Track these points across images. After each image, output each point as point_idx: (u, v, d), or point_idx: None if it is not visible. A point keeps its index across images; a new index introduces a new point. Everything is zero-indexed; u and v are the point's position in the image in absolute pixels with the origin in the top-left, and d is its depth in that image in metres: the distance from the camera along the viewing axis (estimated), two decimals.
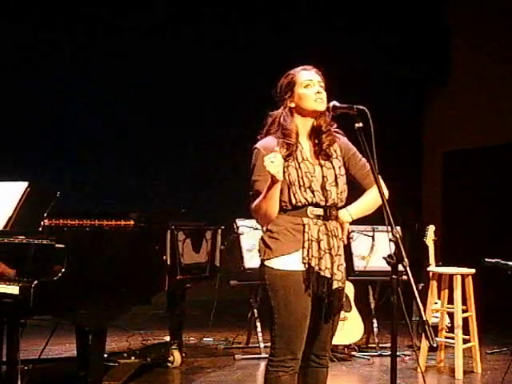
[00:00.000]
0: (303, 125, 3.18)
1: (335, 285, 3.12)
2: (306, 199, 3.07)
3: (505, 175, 8.56)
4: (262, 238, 3.17)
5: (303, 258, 3.07)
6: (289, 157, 3.09)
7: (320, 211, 3.10)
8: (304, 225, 3.08)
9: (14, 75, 8.06)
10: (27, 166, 7.18)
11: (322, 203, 3.10)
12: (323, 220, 3.11)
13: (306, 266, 3.06)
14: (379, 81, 9.08)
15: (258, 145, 3.15)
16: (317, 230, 3.08)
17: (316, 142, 3.18)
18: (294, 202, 3.07)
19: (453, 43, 9.55)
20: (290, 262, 3.08)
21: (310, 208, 3.09)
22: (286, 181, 3.06)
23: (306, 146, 3.17)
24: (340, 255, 3.15)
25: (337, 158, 3.20)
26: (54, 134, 8.34)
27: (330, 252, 3.10)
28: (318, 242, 3.08)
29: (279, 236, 3.10)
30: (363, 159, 3.22)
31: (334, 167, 3.17)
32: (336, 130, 3.22)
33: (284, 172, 3.00)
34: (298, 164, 3.10)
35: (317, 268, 3.06)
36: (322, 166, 3.15)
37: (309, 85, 3.14)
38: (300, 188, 3.07)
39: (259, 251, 3.18)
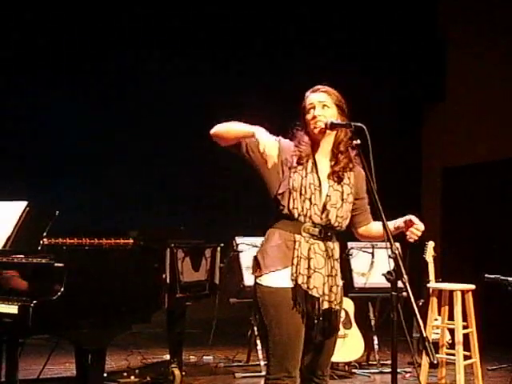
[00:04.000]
0: (318, 144, 3.19)
1: (325, 305, 3.10)
2: (302, 208, 3.08)
3: (504, 191, 8.55)
4: (254, 256, 3.19)
5: (291, 275, 3.06)
6: (299, 165, 3.12)
7: (315, 231, 3.10)
8: (295, 241, 3.08)
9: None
10: (27, 185, 7.18)
11: (317, 219, 3.10)
12: (317, 239, 3.11)
13: (294, 282, 3.06)
14: (377, 98, 9.10)
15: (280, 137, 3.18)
16: (307, 247, 3.08)
17: (332, 163, 3.19)
18: (290, 206, 3.09)
19: (450, 59, 9.58)
20: (279, 279, 3.07)
21: (305, 226, 3.09)
22: (289, 186, 3.10)
23: (321, 163, 3.17)
24: (333, 276, 3.14)
25: (348, 184, 3.20)
26: (54, 153, 8.35)
27: (320, 272, 3.09)
28: (308, 259, 3.07)
29: (269, 251, 3.11)
30: (367, 202, 3.27)
31: (342, 191, 3.17)
32: (354, 157, 3.20)
33: (289, 177, 3.08)
34: (306, 174, 3.12)
35: (305, 286, 3.06)
36: (329, 186, 3.16)
37: (311, 109, 3.16)
38: (300, 196, 3.08)
39: (252, 269, 3.19)
